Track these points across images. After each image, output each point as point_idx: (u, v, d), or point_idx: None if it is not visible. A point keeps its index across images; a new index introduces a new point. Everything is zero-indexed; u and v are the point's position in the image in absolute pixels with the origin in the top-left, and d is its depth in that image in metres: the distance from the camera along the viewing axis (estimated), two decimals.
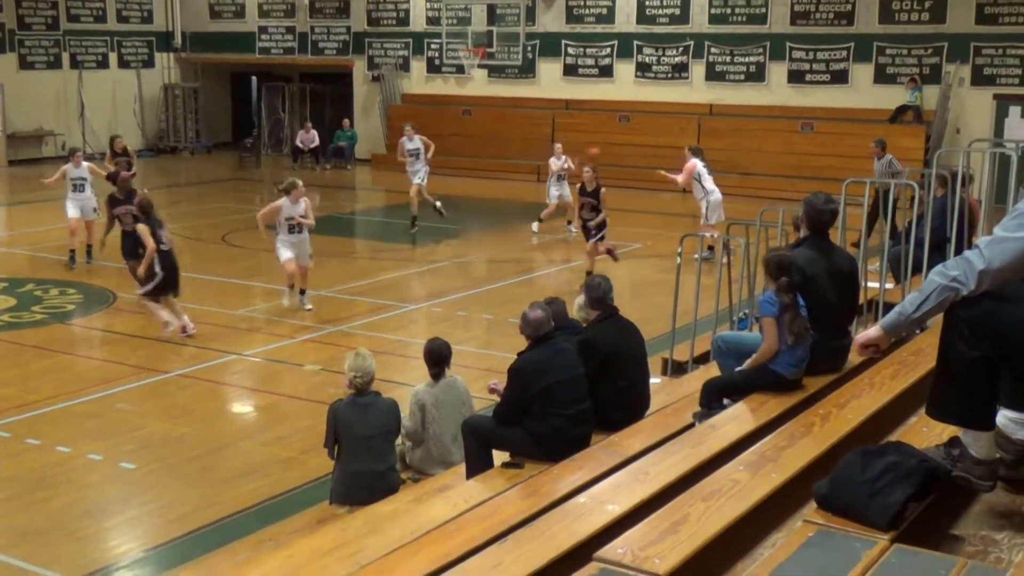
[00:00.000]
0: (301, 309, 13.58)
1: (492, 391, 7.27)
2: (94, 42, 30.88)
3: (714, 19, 25.76)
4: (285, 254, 13.40)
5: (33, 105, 29.14)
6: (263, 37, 31.99)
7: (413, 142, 19.73)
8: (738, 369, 6.78)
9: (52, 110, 29.82)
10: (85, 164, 16.60)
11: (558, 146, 20.04)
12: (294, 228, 13.33)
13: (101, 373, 11.27)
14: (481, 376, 10.08)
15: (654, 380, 8.19)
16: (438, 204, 19.57)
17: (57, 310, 13.86)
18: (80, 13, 30.50)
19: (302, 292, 13.70)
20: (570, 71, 27.71)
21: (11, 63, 29.03)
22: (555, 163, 19.44)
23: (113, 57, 31.39)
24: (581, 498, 5.11)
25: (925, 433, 4.86)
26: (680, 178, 16.86)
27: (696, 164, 16.68)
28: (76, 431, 9.62)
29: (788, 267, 6.59)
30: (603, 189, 15.05)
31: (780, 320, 6.50)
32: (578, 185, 15.57)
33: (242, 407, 11.05)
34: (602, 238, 15.06)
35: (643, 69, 26.79)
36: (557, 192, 19.27)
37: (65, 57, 30.24)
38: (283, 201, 13.38)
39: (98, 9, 30.92)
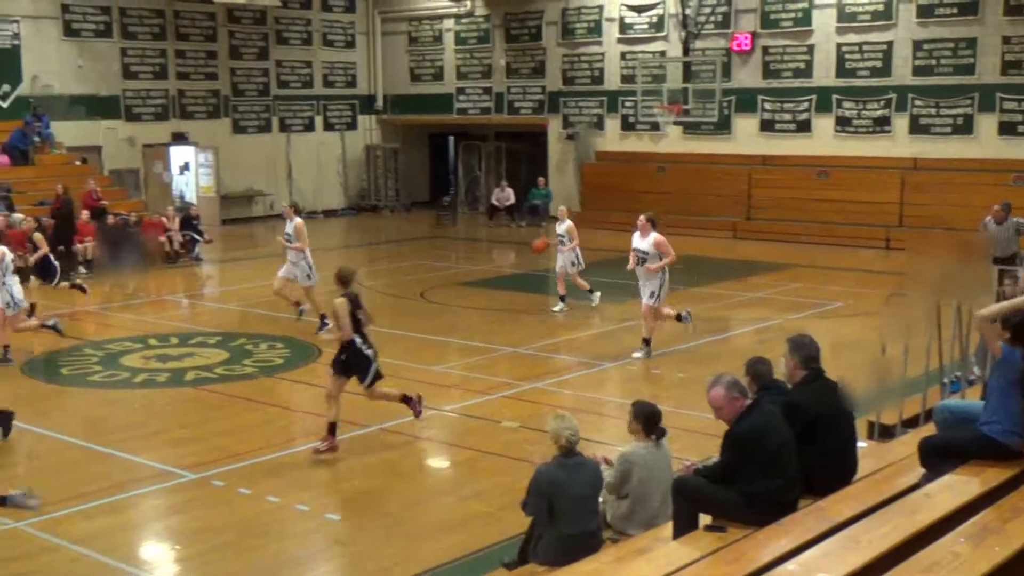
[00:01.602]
0: None
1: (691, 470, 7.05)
2: (302, 106, 32.40)
3: (918, 71, 25.04)
4: None
5: (245, 167, 30.79)
6: (460, 98, 32.86)
7: (291, 223, 16.11)
8: None
9: (262, 171, 31.41)
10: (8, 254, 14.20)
11: (562, 208, 18.03)
12: None
13: (306, 426, 11.62)
14: (676, 436, 9.95)
15: (860, 444, 7.92)
16: (303, 309, 16.23)
17: (266, 364, 14.41)
18: (289, 79, 32.06)
19: None
20: (767, 126, 27.40)
21: (226, 128, 30.75)
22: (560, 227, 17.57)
23: (319, 120, 32.88)
24: (790, 565, 4.98)
25: None
26: (669, 258, 14.21)
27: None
28: (284, 482, 9.93)
29: None
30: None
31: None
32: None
33: (440, 462, 11.21)
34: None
35: (843, 123, 26.25)
36: (559, 263, 17.52)
37: (275, 121, 31.83)
38: None
39: (306, 75, 32.42)
